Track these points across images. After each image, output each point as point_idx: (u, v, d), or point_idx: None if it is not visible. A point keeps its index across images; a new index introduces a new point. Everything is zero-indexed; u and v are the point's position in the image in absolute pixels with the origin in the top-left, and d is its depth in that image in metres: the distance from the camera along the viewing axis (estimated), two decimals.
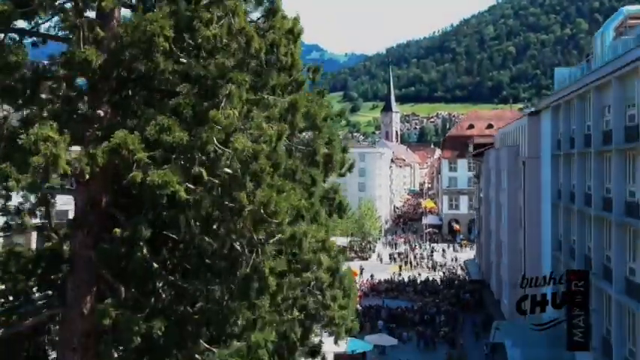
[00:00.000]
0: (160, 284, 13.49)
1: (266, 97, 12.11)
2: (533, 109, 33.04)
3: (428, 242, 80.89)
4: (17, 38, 12.03)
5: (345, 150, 15.14)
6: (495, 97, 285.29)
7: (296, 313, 14.02)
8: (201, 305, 13.02)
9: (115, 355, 12.34)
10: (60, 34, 12.19)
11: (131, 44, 11.18)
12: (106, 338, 12.62)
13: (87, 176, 13.88)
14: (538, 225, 30.27)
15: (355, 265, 58.93)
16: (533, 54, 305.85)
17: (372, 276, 57.81)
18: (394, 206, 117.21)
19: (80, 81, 12.20)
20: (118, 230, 12.05)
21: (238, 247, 12.32)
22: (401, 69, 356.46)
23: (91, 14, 12.13)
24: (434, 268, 63.95)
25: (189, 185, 11.16)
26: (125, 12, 13.22)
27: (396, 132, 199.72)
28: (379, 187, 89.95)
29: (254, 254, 11.82)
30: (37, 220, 16.81)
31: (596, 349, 20.67)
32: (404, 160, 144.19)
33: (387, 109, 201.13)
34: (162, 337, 12.38)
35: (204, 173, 11.11)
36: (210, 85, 11.28)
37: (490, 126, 78.44)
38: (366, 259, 69.17)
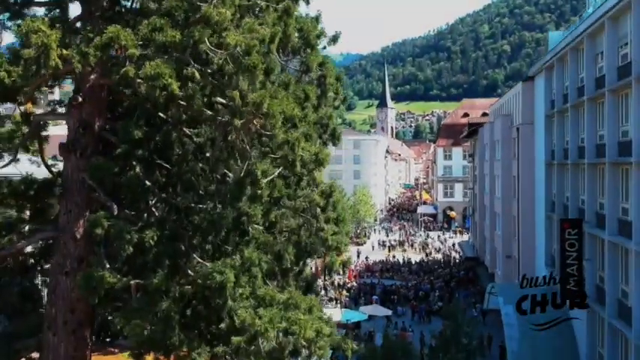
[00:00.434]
0: (153, 201, 13.44)
1: (259, 1, 12.06)
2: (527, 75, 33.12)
3: (423, 230, 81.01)
4: None
5: (339, 78, 15.11)
6: (490, 96, 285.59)
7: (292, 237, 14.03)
8: (194, 219, 12.98)
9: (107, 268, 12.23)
10: None
11: None
12: (97, 249, 12.59)
13: (80, 99, 13.96)
14: (532, 190, 30.38)
15: (351, 250, 58.88)
16: (528, 52, 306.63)
17: (367, 258, 57.84)
18: (389, 198, 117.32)
19: None
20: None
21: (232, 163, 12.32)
22: (396, 67, 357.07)
23: None
24: (426, 252, 63.94)
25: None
26: None
27: (392, 128, 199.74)
28: (374, 175, 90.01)
29: (247, 162, 11.78)
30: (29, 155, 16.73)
31: (589, 298, 20.70)
32: (399, 155, 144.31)
33: (382, 104, 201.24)
34: (155, 248, 12.35)
35: (197, 73, 11.08)
36: None
37: (485, 114, 78.45)
38: (362, 244, 69.18)
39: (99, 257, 12.23)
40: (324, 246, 14.42)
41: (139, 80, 11.88)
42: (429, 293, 43.05)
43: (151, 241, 11.92)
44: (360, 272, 51.65)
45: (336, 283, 45.91)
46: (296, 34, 12.63)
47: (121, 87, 12.50)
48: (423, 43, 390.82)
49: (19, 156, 15.26)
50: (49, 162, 15.50)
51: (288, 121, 11.83)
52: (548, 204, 26.99)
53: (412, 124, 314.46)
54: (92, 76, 13.36)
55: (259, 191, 11.93)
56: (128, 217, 12.73)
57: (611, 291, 18.72)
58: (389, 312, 36.53)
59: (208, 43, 10.92)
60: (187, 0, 11.15)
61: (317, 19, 14.53)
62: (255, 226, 13.67)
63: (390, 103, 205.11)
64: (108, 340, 19.11)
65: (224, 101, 12.29)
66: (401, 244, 66.94)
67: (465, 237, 70.63)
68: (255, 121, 11.62)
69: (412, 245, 67.72)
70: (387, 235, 76.17)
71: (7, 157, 15.48)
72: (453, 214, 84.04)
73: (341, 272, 50.65)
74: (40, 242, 16.37)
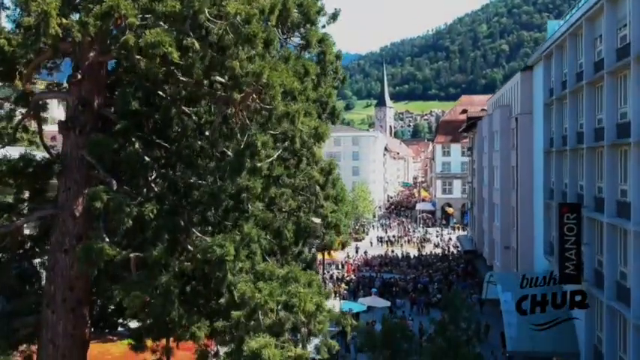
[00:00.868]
0: (153, 177, 13.44)
1: None
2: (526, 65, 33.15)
3: (422, 226, 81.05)
4: None
5: (339, 56, 15.11)
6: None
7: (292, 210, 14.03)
8: (193, 194, 12.97)
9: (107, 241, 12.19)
10: None
11: None
12: (97, 224, 12.57)
13: (79, 76, 13.95)
14: (530, 180, 30.41)
15: (350, 245, 58.83)
16: (526, 52, 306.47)
17: (365, 252, 57.84)
18: (388, 195, 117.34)
19: None
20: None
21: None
22: (395, 67, 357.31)
23: None
24: (422, 245, 63.83)
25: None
26: None
27: (390, 127, 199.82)
28: (373, 172, 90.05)
29: (246, 134, 11.78)
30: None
31: (588, 282, 20.74)
32: (398, 153, 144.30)
33: (381, 104, 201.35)
34: (154, 222, 12.34)
35: (197, 44, 11.07)
36: None
37: (484, 110, 78.49)
38: (360, 240, 69.13)
39: (98, 231, 12.20)
40: (323, 222, 14.43)
41: (138, 57, 11.92)
42: (427, 286, 43.06)
43: (150, 214, 11.92)
44: (358, 266, 51.66)
45: (334, 276, 45.93)
46: (295, 10, 12.62)
47: (121, 59, 12.48)
48: (421, 42, 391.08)
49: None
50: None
51: (287, 94, 11.84)
52: (547, 192, 27.01)
53: (411, 124, 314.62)
54: (91, 54, 13.38)
55: (259, 164, 11.92)
56: (127, 193, 12.72)
57: (609, 273, 18.73)
58: (388, 303, 36.51)
59: (208, 14, 10.93)
60: None
61: None
62: (256, 204, 13.70)
63: (388, 102, 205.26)
64: (107, 329, 19.14)
65: (223, 80, 12.31)
66: (400, 239, 66.94)
67: (463, 233, 70.68)
68: (254, 95, 11.64)
69: (409, 241, 67.70)
70: (386, 232, 76.19)
71: (6, 138, 15.46)
72: (450, 210, 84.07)
73: (340, 266, 50.73)
74: (40, 222, 16.37)
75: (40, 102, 14.98)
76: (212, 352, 14.79)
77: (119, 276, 13.07)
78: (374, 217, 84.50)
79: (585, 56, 21.18)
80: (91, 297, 14.43)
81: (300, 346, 12.80)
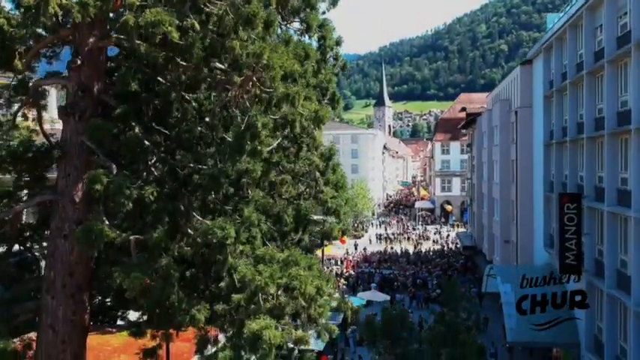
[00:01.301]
0: (153, 161, 13.40)
1: None
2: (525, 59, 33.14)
3: (421, 224, 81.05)
4: None
5: (339, 42, 15.06)
6: None
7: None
8: (194, 178, 12.94)
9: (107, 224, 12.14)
10: None
11: None
12: (96, 207, 12.52)
13: (79, 62, 13.90)
14: (530, 173, 30.41)
15: (349, 242, 58.84)
16: (525, 52, 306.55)
17: (364, 249, 57.81)
18: (387, 194, 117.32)
19: None
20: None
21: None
22: (394, 67, 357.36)
23: None
24: (418, 242, 63.77)
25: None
26: None
27: (389, 126, 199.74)
28: (372, 169, 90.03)
29: (247, 116, 11.74)
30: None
31: (588, 271, 20.73)
32: (397, 152, 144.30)
33: (380, 103, 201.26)
34: (155, 204, 12.30)
35: (196, 24, 11.04)
36: None
37: (483, 108, 78.55)
38: (359, 237, 69.10)
39: (98, 214, 12.16)
40: (323, 207, 14.37)
41: (138, 42, 11.88)
42: (427, 281, 43.04)
43: (150, 196, 11.87)
44: (357, 263, 51.63)
45: (334, 272, 45.89)
46: None
47: (121, 43, 12.45)
48: (420, 42, 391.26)
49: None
50: None
51: (287, 77, 11.80)
52: (547, 185, 27.01)
53: (409, 124, 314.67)
54: (91, 39, 13.34)
55: (259, 147, 11.88)
56: (127, 176, 12.68)
57: (610, 262, 18.73)
58: (387, 297, 36.51)
59: None
60: None
61: None
62: (256, 190, 13.66)
63: (387, 101, 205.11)
64: (107, 321, 19.12)
65: (223, 67, 12.28)
66: (399, 236, 66.90)
67: (463, 230, 70.65)
68: (254, 78, 11.61)
69: (409, 239, 67.66)
70: (385, 230, 76.19)
71: (5, 126, 15.39)
72: (449, 207, 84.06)
73: (339, 262, 50.69)
74: (39, 210, 16.32)
75: (40, 89, 14.94)
76: (212, 340, 14.71)
77: (119, 261, 13.02)
78: (373, 214, 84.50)
79: (585, 46, 21.17)
80: (90, 283, 14.38)
81: (301, 330, 12.78)
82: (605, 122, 18.96)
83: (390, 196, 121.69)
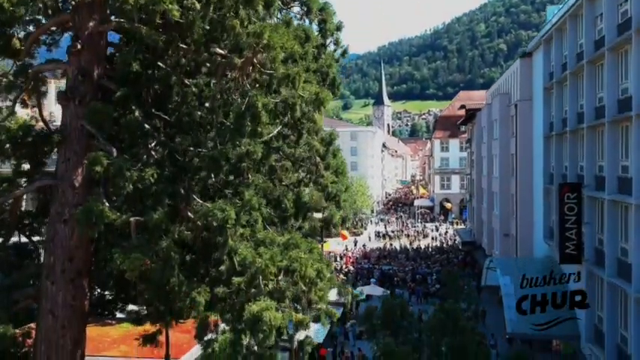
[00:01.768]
0: (153, 144, 13.35)
1: None
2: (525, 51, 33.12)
3: (420, 221, 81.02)
4: None
5: (339, 28, 15.03)
6: None
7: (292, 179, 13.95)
8: (194, 161, 12.89)
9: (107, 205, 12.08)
10: None
11: None
12: (97, 189, 12.48)
13: (79, 46, 13.85)
14: (530, 166, 30.38)
15: (349, 239, 58.70)
16: (524, 52, 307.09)
17: (364, 245, 57.79)
18: (386, 192, 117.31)
19: None
20: None
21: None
22: (393, 66, 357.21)
23: None
24: (412, 238, 63.73)
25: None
26: None
27: (388, 125, 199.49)
28: (371, 167, 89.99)
29: (247, 97, 11.70)
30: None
31: (588, 261, 20.71)
32: (396, 151, 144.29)
33: (379, 102, 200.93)
34: (155, 187, 12.25)
35: (197, 3, 11.01)
36: None
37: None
38: (359, 234, 69.07)
39: (98, 196, 12.11)
40: (323, 192, 14.34)
41: (137, 25, 11.84)
42: (426, 277, 43.02)
43: (150, 178, 11.82)
44: (357, 259, 51.61)
45: (333, 267, 45.84)
46: None
47: (121, 26, 12.41)
48: (419, 42, 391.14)
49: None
50: None
51: (288, 58, 11.77)
52: (547, 177, 26.99)
53: (408, 123, 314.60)
54: (90, 24, 13.31)
55: (259, 128, 11.84)
56: (127, 159, 12.64)
57: (610, 251, 18.71)
58: (387, 292, 36.44)
59: None
60: None
61: None
62: (256, 175, 13.61)
63: (386, 100, 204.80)
64: (106, 313, 19.07)
65: (223, 52, 12.24)
66: (399, 232, 66.88)
67: (462, 227, 70.61)
68: (254, 60, 11.57)
69: (408, 236, 67.63)
70: (385, 227, 76.16)
71: (5, 112, 15.32)
72: (449, 205, 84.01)
73: (339, 258, 50.66)
74: (38, 198, 16.25)
75: (40, 75, 14.88)
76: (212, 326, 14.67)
77: (119, 245, 12.97)
78: (372, 212, 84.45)
79: (586, 36, 21.16)
80: (90, 267, 14.33)
81: (301, 314, 12.74)
82: (605, 110, 18.94)
83: (390, 195, 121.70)
